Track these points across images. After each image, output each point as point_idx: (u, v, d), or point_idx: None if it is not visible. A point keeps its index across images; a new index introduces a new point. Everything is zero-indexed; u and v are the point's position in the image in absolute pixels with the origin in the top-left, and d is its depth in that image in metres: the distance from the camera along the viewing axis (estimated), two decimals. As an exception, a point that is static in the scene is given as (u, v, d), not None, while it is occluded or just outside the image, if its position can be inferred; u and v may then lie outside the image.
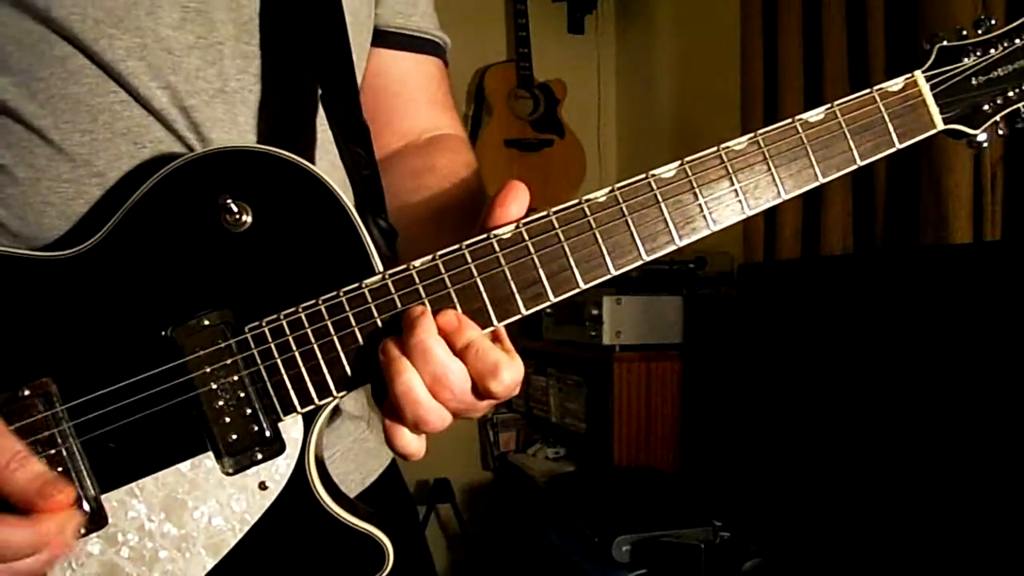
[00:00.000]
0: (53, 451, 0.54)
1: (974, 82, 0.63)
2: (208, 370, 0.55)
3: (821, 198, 1.91)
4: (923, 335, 1.36)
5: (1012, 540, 1.18)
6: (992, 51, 0.63)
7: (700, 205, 0.58)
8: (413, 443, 0.55)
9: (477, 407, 0.55)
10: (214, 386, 0.55)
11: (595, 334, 2.19)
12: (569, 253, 0.56)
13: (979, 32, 0.63)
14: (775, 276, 1.84)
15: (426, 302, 0.55)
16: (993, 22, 0.63)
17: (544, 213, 0.56)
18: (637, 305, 2.21)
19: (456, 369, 0.52)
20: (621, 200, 0.56)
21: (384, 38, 0.76)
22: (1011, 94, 0.63)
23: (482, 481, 3.06)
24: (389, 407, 0.54)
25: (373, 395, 0.60)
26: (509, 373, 0.53)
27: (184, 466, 0.56)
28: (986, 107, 0.63)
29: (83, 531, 0.54)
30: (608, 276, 0.57)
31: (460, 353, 0.53)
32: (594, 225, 0.56)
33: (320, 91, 0.64)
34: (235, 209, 0.55)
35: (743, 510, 1.75)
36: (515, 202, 0.56)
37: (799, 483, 1.65)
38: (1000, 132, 0.64)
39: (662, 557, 1.61)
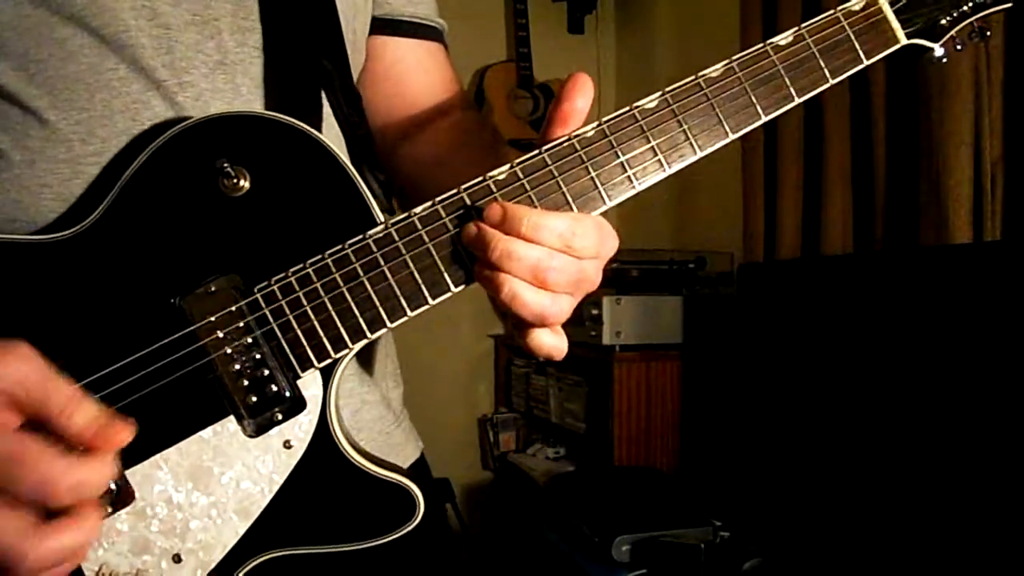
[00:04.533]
0: None
1: None
2: (221, 334, 0.55)
3: (821, 198, 1.91)
4: (923, 335, 1.36)
5: (1012, 540, 1.18)
6: None
7: (684, 132, 0.59)
8: (547, 338, 0.57)
9: (587, 276, 0.57)
10: (229, 350, 0.56)
11: (595, 334, 2.19)
12: (564, 188, 0.58)
13: None
14: (775, 276, 1.84)
15: (430, 245, 0.56)
16: None
17: (536, 152, 0.58)
18: (637, 305, 2.21)
19: (543, 254, 0.54)
20: (609, 133, 0.58)
21: (396, 27, 0.81)
22: (966, 7, 0.66)
23: (482, 481, 3.06)
24: (515, 320, 0.56)
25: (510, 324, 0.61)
26: (577, 227, 0.55)
27: (206, 433, 0.56)
28: (943, 21, 0.66)
29: (110, 510, 0.54)
30: (604, 207, 0.59)
31: (527, 236, 0.54)
32: (585, 159, 0.58)
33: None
34: (232, 173, 0.56)
35: (743, 510, 1.75)
36: (581, 95, 0.58)
37: (799, 483, 1.65)
38: (958, 47, 0.67)
39: (662, 557, 1.61)
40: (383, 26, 0.80)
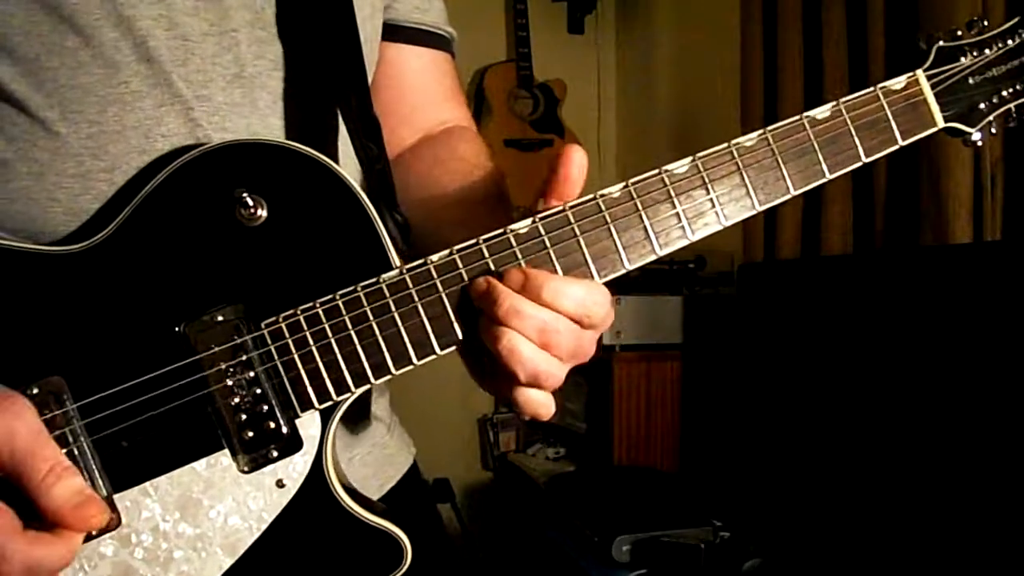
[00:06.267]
0: (64, 451, 0.52)
1: (971, 81, 0.64)
2: (223, 366, 0.55)
3: (821, 198, 1.91)
4: (923, 335, 1.36)
5: (1012, 540, 1.18)
6: (987, 51, 0.64)
7: (712, 200, 0.58)
8: (538, 398, 0.56)
9: (584, 346, 0.56)
10: (229, 383, 0.55)
11: (595, 334, 2.19)
12: (584, 247, 0.56)
13: (972, 33, 0.65)
14: (775, 276, 1.84)
15: (444, 295, 0.55)
16: (986, 23, 0.65)
17: (560, 207, 0.56)
18: (637, 305, 2.21)
19: (551, 317, 0.53)
20: (635, 195, 0.57)
21: (402, 33, 0.77)
22: (1005, 93, 0.65)
23: (482, 481, 3.06)
24: (503, 376, 0.55)
25: (474, 372, 0.60)
26: (593, 296, 0.54)
27: (199, 464, 0.55)
28: (982, 105, 0.65)
29: (95, 533, 0.53)
30: (623, 271, 0.58)
31: (546, 302, 0.54)
32: (609, 220, 0.57)
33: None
34: (250, 203, 0.55)
35: (743, 510, 1.75)
36: (574, 166, 0.57)
37: (799, 483, 1.65)
38: (992, 130, 0.66)
39: (662, 557, 1.61)
40: (389, 32, 0.76)
